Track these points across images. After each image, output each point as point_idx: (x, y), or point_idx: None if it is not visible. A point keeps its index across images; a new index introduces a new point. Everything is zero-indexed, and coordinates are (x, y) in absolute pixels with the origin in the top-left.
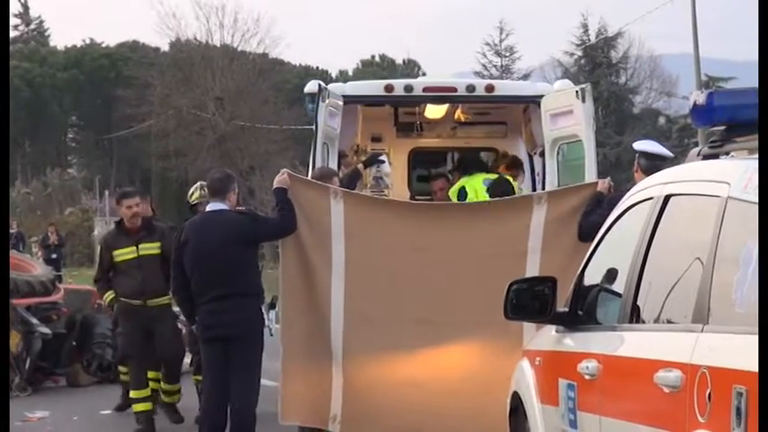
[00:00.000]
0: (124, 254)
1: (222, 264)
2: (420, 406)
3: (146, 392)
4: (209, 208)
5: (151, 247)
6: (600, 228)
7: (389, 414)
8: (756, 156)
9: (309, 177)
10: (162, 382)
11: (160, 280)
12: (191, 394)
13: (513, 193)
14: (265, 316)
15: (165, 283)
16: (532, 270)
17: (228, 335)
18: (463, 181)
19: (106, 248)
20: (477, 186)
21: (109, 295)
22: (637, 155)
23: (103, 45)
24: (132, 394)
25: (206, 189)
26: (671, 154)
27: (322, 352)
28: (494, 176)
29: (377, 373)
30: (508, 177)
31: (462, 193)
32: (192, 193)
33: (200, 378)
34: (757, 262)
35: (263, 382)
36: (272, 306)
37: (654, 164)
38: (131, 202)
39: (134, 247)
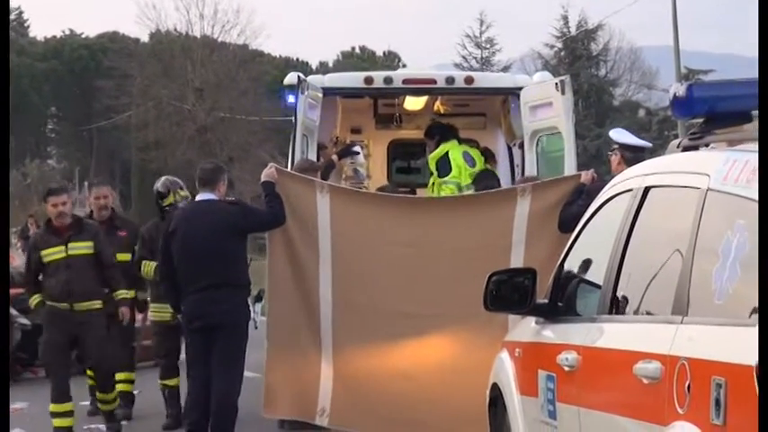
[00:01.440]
0: (52, 254)
1: (211, 254)
2: (408, 398)
3: (68, 407)
4: (198, 198)
5: (81, 247)
6: (579, 218)
7: (378, 407)
8: (737, 147)
9: (291, 169)
10: (97, 392)
11: (90, 282)
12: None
13: (498, 186)
14: (251, 308)
15: (97, 285)
16: (517, 262)
17: (213, 324)
18: (445, 147)
19: (34, 249)
20: (459, 162)
21: (35, 299)
22: (617, 146)
23: (83, 36)
24: (52, 408)
25: (178, 191)
26: (649, 144)
27: (310, 345)
28: (472, 150)
29: (366, 366)
30: (494, 170)
31: (445, 162)
32: (165, 195)
33: (166, 383)
34: (757, 260)
35: (246, 374)
36: (257, 299)
37: (637, 156)
38: (58, 199)
39: (63, 247)
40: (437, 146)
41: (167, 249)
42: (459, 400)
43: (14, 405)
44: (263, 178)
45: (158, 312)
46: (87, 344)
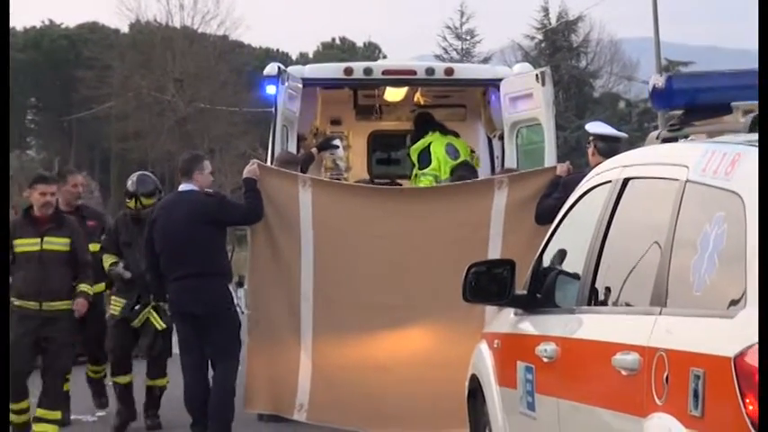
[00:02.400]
0: (26, 245)
1: (188, 243)
2: (387, 391)
3: (25, 404)
4: (180, 188)
5: (57, 243)
6: (555, 211)
7: (357, 400)
8: (716, 139)
9: (271, 162)
10: (38, 407)
11: (62, 281)
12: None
13: (474, 177)
14: (234, 295)
15: (68, 284)
16: (494, 254)
17: (199, 313)
18: (428, 139)
19: (10, 236)
20: (440, 155)
21: None
22: (591, 138)
23: (63, 26)
24: (12, 406)
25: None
26: (625, 135)
27: (289, 340)
28: (457, 142)
29: (346, 359)
30: (472, 163)
31: (426, 155)
32: (130, 197)
33: (116, 380)
34: (757, 257)
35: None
36: (239, 284)
37: (612, 146)
38: (47, 188)
39: (38, 240)
40: (421, 136)
41: (151, 239)
42: (439, 393)
43: None
44: (244, 175)
45: (114, 306)
46: (48, 346)
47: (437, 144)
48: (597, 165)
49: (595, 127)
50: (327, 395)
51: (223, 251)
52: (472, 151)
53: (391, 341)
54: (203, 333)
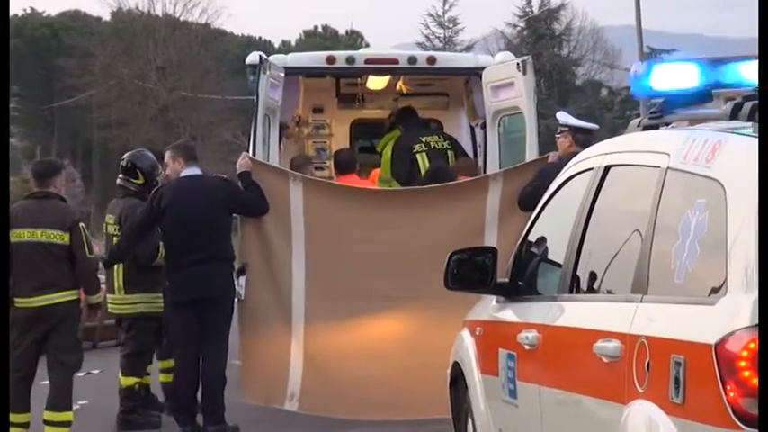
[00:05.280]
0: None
1: (204, 228)
2: (378, 380)
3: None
4: (186, 173)
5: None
6: (533, 197)
7: (347, 389)
8: (697, 127)
9: (254, 150)
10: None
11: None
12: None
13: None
14: (235, 282)
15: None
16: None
17: (205, 297)
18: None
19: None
20: (386, 156)
21: None
22: (567, 128)
23: (44, 14)
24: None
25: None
26: (596, 126)
27: (282, 331)
28: (439, 141)
29: (337, 349)
30: (448, 164)
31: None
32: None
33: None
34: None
35: (238, 362)
36: (241, 272)
37: (588, 138)
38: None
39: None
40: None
41: (149, 224)
42: (429, 381)
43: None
44: (238, 169)
45: None
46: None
47: (389, 147)
48: (573, 155)
49: (570, 118)
50: (318, 384)
51: (230, 237)
52: (450, 143)
53: (382, 330)
54: (203, 320)
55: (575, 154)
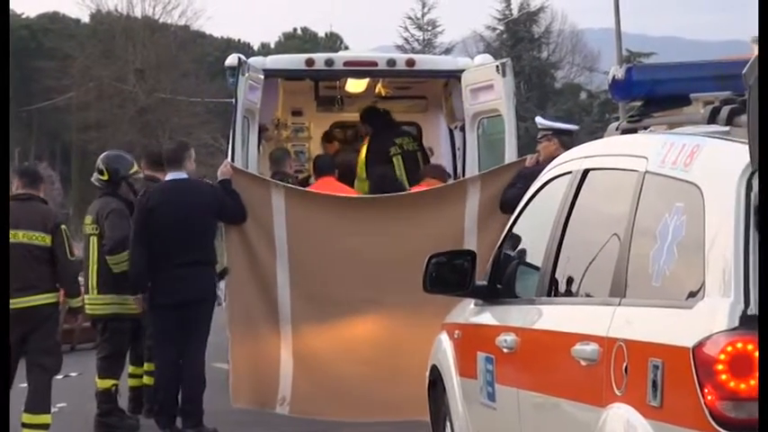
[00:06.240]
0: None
1: (191, 232)
2: (366, 383)
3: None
4: (170, 177)
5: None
6: (517, 200)
7: (337, 393)
8: (675, 131)
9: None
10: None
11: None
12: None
13: (397, 189)
14: (216, 285)
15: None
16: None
17: (188, 300)
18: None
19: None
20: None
21: None
22: (551, 132)
23: (23, 16)
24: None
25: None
26: (576, 126)
27: (270, 335)
28: (410, 143)
29: (326, 353)
30: (394, 171)
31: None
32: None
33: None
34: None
35: (220, 365)
36: (221, 276)
37: (572, 140)
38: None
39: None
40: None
41: (144, 228)
42: (412, 383)
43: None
44: (219, 176)
45: None
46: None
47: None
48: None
49: (552, 122)
50: (309, 388)
51: (213, 242)
52: (417, 144)
53: (368, 334)
54: (185, 322)
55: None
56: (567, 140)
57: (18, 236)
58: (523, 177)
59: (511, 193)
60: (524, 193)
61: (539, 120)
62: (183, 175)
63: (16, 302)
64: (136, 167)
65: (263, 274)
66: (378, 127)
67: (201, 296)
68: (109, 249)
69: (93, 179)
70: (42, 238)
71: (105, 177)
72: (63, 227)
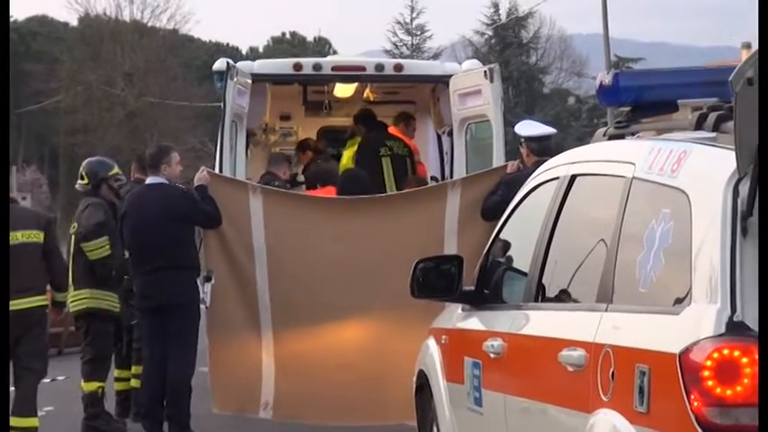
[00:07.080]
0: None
1: (159, 239)
2: (349, 387)
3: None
4: (148, 181)
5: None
6: (498, 207)
7: (320, 397)
8: (663, 137)
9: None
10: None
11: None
12: None
13: (364, 191)
14: (201, 289)
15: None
16: (450, 253)
17: (164, 304)
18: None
19: None
20: (344, 160)
21: None
22: (523, 140)
23: (12, 19)
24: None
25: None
26: (553, 130)
27: (250, 340)
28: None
29: (306, 358)
30: (382, 172)
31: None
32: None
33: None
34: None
35: (205, 369)
36: (207, 279)
37: (543, 144)
38: None
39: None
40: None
41: (122, 233)
42: (399, 387)
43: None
44: (196, 182)
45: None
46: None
47: (348, 152)
48: (535, 164)
49: (524, 128)
50: (292, 392)
51: (192, 244)
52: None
53: (349, 338)
54: (167, 326)
55: (538, 163)
56: (537, 146)
57: (17, 237)
58: (505, 184)
59: (492, 200)
60: (505, 200)
61: (516, 127)
62: (159, 179)
63: (15, 304)
64: (116, 169)
65: (242, 277)
66: (371, 128)
67: (177, 300)
68: (84, 236)
69: (76, 186)
70: (37, 236)
71: (86, 181)
72: (53, 224)
